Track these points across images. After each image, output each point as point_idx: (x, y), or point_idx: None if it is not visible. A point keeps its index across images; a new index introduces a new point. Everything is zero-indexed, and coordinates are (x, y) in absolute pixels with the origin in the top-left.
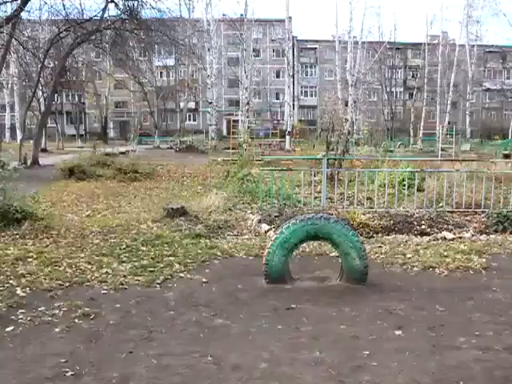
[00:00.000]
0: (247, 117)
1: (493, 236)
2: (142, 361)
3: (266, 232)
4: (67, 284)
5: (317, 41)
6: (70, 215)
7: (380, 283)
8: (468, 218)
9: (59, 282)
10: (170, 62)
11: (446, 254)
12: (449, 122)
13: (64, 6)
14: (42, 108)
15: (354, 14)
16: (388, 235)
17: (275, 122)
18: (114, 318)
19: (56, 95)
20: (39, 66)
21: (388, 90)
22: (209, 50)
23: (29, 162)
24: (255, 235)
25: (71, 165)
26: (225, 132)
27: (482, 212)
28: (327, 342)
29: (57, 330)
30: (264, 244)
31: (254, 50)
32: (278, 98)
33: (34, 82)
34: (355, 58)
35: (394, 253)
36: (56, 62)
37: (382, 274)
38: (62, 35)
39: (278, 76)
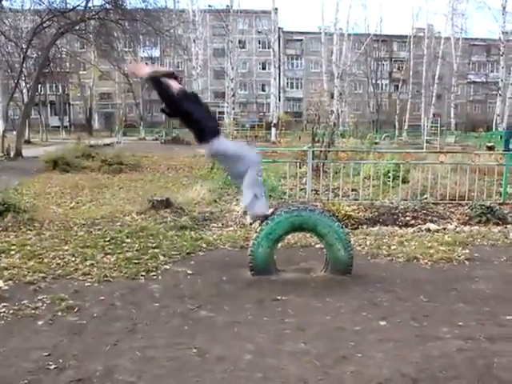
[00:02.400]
0: (233, 108)
1: (476, 227)
2: (126, 353)
3: (251, 223)
4: (51, 277)
5: (303, 32)
6: (54, 207)
7: (365, 274)
8: (452, 209)
9: (42, 274)
10: (155, 53)
11: (430, 245)
12: (434, 115)
13: None
14: (25, 99)
15: (341, 5)
16: (373, 227)
17: (261, 113)
18: (98, 311)
19: (39, 86)
20: (22, 56)
21: (374, 82)
22: (194, 41)
23: (12, 154)
24: (240, 227)
25: (55, 156)
26: None
27: (466, 204)
28: (312, 333)
29: (40, 323)
30: (249, 236)
31: (239, 42)
32: (263, 90)
33: (16, 72)
34: (341, 50)
35: (378, 244)
36: (39, 53)
37: (366, 266)
38: (45, 25)
39: (263, 68)
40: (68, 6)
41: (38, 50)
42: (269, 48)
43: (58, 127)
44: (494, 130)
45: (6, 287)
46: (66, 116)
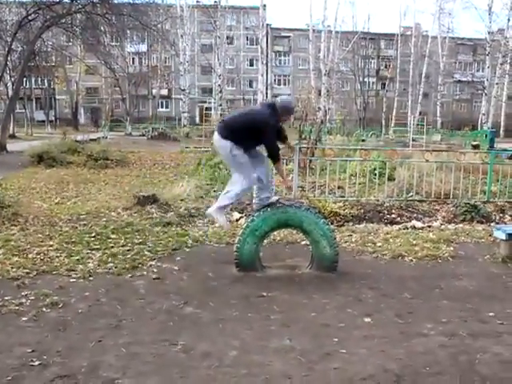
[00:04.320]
0: (220, 105)
1: (461, 225)
2: (111, 349)
3: (237, 220)
4: (35, 272)
5: (291, 29)
6: (39, 202)
7: (350, 271)
8: (437, 207)
9: (27, 270)
10: (143, 48)
11: (415, 242)
12: (420, 113)
13: None
14: (10, 93)
15: (329, 3)
16: (359, 224)
17: None
18: (82, 307)
19: (25, 80)
20: (6, 49)
21: (361, 79)
22: (182, 36)
23: None
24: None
25: (40, 151)
26: (198, 120)
27: (451, 202)
28: (297, 329)
29: (24, 319)
30: (235, 232)
31: (227, 38)
32: (251, 86)
33: (0, 65)
34: (329, 48)
35: (364, 241)
36: (24, 46)
37: (352, 262)
38: (30, 18)
39: (251, 64)
40: None
41: (23, 43)
42: (256, 44)
43: (44, 122)
44: (479, 128)
45: None
46: (51, 110)
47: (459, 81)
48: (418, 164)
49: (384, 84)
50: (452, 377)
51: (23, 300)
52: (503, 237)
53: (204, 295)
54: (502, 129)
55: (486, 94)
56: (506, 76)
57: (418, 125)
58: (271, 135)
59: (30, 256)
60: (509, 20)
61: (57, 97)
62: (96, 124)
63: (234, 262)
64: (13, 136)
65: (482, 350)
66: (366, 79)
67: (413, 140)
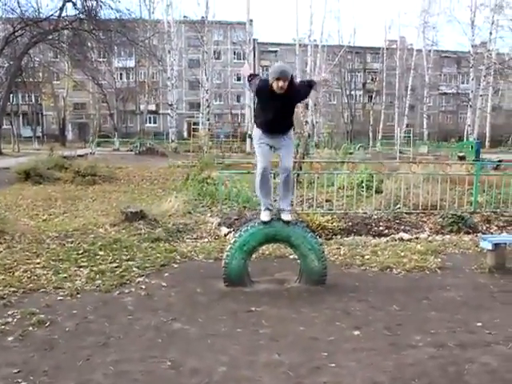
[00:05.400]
0: (208, 119)
1: (448, 236)
2: (99, 368)
3: (225, 235)
4: (22, 291)
5: (277, 44)
6: (26, 219)
7: (339, 284)
8: (424, 218)
9: (13, 288)
10: (130, 63)
11: (403, 254)
12: (407, 125)
13: (19, 3)
14: None
15: (314, 17)
16: (347, 237)
17: (236, 124)
18: (70, 325)
19: (11, 96)
20: None
21: (348, 93)
22: (169, 51)
23: None
24: (215, 238)
25: (27, 167)
26: (186, 134)
27: (438, 213)
28: (286, 343)
29: (10, 338)
30: (223, 247)
31: (214, 53)
32: (238, 101)
33: None
34: (315, 61)
35: (352, 254)
36: (11, 62)
37: (340, 275)
38: (17, 34)
39: (238, 79)
40: (41, 15)
41: (10, 59)
42: (244, 59)
43: (31, 138)
44: (465, 139)
45: None
46: (38, 126)
47: (444, 93)
48: (405, 176)
49: (371, 97)
50: None
51: (9, 319)
52: (489, 247)
53: (192, 311)
54: (487, 139)
55: (471, 106)
56: (490, 88)
57: (404, 137)
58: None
59: (16, 274)
60: (491, 33)
61: (44, 113)
62: (84, 140)
63: (223, 278)
64: None
65: (471, 360)
66: (352, 92)
67: (400, 152)
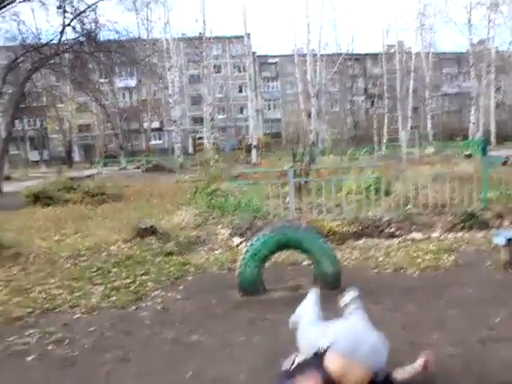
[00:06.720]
0: (212, 133)
1: (460, 234)
2: (119, 382)
3: (237, 245)
4: (38, 311)
5: (277, 56)
6: (39, 241)
7: (353, 287)
8: (435, 218)
9: (30, 309)
10: (132, 82)
11: (416, 254)
12: (412, 127)
13: (20, 30)
14: (2, 135)
15: (312, 27)
16: (358, 240)
17: (240, 136)
18: (88, 342)
19: (17, 121)
20: None
21: (350, 99)
22: (169, 69)
23: None
24: (227, 249)
25: (36, 191)
26: (190, 149)
27: (449, 211)
28: None
29: (30, 358)
30: (236, 257)
31: (214, 67)
32: (241, 113)
33: None
34: (315, 70)
35: (365, 257)
36: (14, 89)
37: (354, 279)
38: (19, 60)
39: (240, 91)
40: (41, 40)
41: (13, 85)
42: (244, 71)
43: (38, 161)
44: (470, 138)
45: None
46: (45, 150)
47: (446, 94)
48: (414, 176)
49: (373, 102)
50: None
51: (28, 339)
52: (503, 242)
53: (209, 322)
54: (493, 136)
55: (474, 104)
56: (492, 85)
57: (409, 139)
58: None
59: (32, 295)
60: (489, 31)
61: (49, 136)
62: (90, 161)
63: (237, 287)
64: (7, 178)
65: (493, 356)
66: (354, 98)
67: (406, 154)
